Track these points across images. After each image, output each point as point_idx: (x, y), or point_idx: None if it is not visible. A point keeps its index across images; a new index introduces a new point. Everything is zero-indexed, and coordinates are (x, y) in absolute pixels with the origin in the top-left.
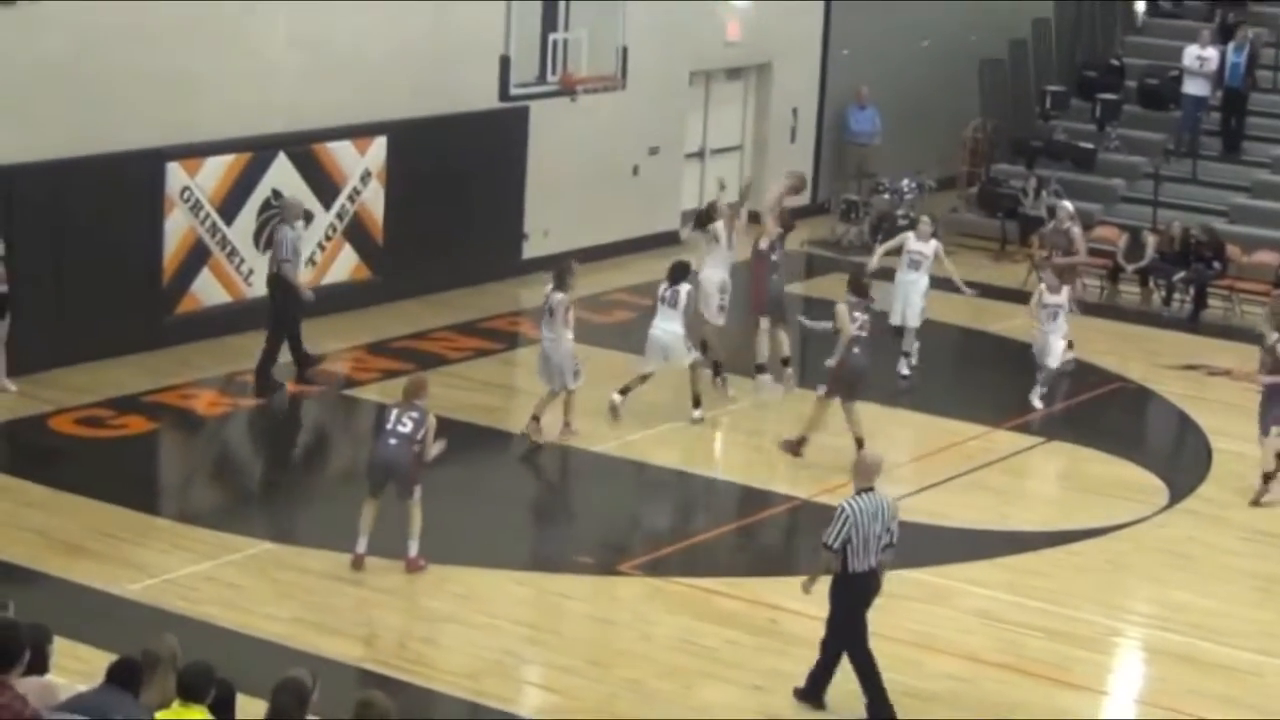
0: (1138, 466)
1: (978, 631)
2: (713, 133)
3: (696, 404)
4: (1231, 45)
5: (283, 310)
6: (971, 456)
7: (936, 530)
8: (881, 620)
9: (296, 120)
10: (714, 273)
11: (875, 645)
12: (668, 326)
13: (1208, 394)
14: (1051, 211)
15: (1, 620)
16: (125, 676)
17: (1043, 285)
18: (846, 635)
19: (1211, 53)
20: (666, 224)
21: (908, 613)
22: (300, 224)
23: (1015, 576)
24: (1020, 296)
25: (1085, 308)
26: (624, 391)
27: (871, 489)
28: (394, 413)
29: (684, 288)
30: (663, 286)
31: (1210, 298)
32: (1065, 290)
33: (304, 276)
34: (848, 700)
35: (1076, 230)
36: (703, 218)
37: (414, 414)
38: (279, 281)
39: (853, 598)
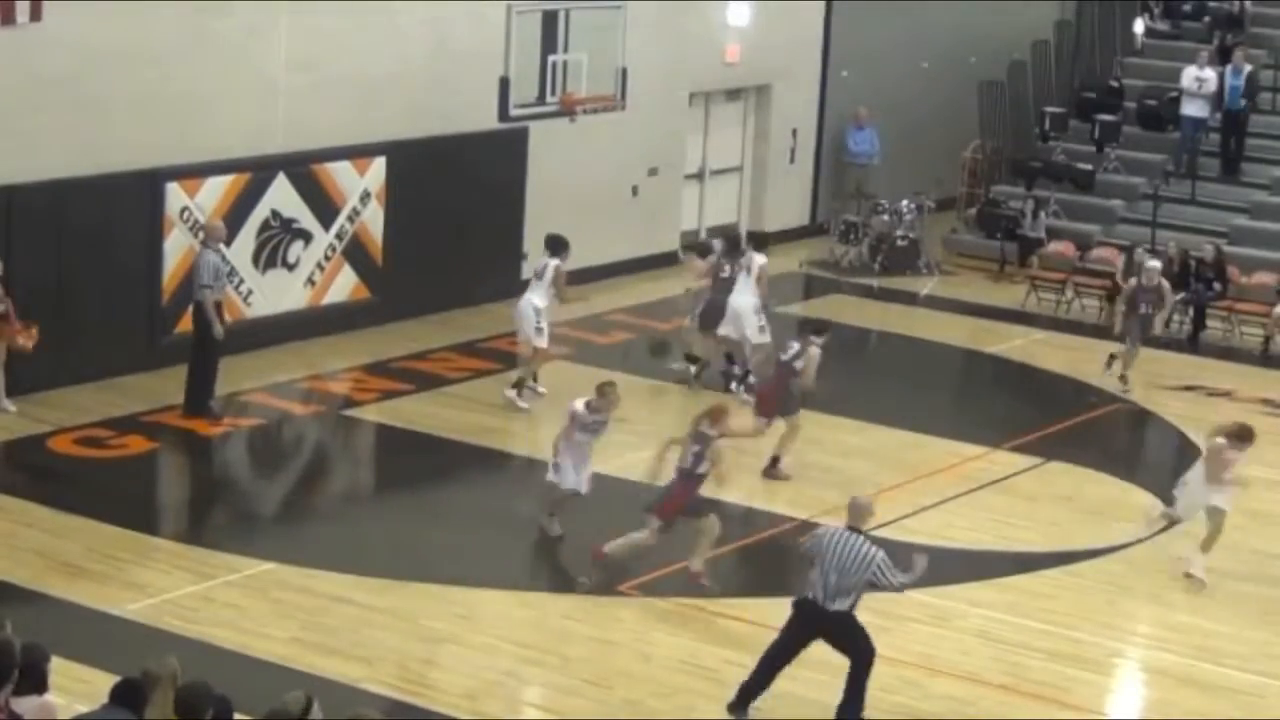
0: (1137, 487)
1: (978, 652)
2: (712, 154)
3: (516, 385)
4: (1230, 67)
5: (205, 337)
6: (971, 477)
7: (937, 551)
8: (883, 641)
9: (296, 141)
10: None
11: (879, 666)
12: (530, 297)
13: (1208, 415)
14: (1137, 266)
15: None
16: (128, 696)
17: (1222, 439)
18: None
19: (1210, 74)
20: (666, 245)
21: (909, 634)
22: (223, 247)
23: (1016, 597)
24: (1018, 317)
25: (1083, 329)
26: (517, 385)
27: (858, 531)
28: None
29: (552, 262)
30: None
31: (1209, 319)
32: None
33: (301, 296)
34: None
35: (1167, 285)
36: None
37: (697, 448)
38: (199, 309)
39: (790, 614)
